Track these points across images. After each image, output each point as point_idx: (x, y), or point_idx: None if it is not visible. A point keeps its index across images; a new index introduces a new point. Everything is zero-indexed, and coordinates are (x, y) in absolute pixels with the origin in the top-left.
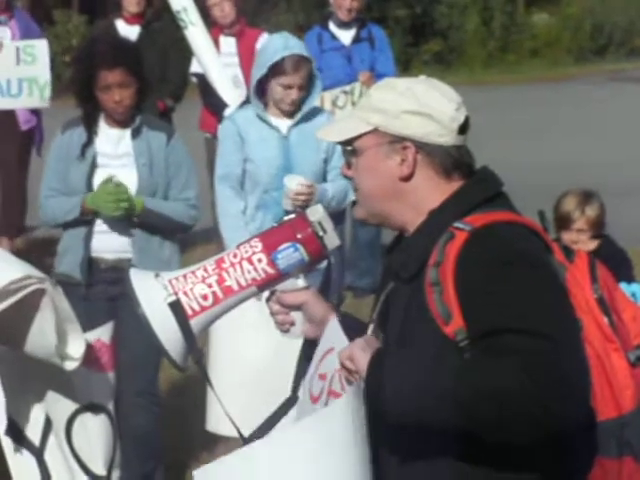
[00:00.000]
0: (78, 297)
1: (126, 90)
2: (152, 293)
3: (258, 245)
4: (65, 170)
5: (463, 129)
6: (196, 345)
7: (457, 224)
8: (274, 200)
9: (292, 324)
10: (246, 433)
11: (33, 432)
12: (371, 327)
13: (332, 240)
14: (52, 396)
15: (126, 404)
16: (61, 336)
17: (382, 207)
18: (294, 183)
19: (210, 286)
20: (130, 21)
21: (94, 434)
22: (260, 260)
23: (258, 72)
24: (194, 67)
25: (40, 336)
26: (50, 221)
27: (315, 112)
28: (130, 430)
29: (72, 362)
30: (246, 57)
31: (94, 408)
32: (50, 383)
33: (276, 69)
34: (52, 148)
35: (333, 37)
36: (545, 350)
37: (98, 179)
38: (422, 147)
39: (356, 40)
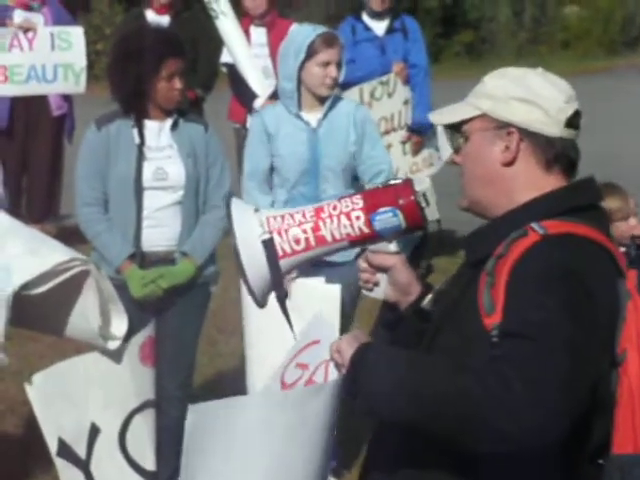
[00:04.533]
0: (127, 300)
1: (183, 79)
2: (248, 227)
3: (359, 202)
4: (104, 168)
5: (571, 122)
6: (281, 285)
7: (534, 224)
8: (302, 195)
9: (376, 284)
10: None
11: (79, 445)
12: (427, 299)
13: (432, 213)
14: (102, 403)
15: (166, 397)
16: (104, 316)
17: (482, 193)
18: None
19: (305, 232)
20: (160, 11)
21: (148, 432)
22: (358, 217)
23: (294, 60)
24: (224, 57)
25: (82, 319)
26: (87, 237)
27: (336, 100)
28: (169, 423)
29: (115, 341)
30: (276, 48)
31: (149, 405)
32: (100, 390)
33: (312, 50)
34: (86, 145)
35: (366, 28)
36: (529, 357)
37: (147, 172)
38: (526, 135)
39: (389, 31)
